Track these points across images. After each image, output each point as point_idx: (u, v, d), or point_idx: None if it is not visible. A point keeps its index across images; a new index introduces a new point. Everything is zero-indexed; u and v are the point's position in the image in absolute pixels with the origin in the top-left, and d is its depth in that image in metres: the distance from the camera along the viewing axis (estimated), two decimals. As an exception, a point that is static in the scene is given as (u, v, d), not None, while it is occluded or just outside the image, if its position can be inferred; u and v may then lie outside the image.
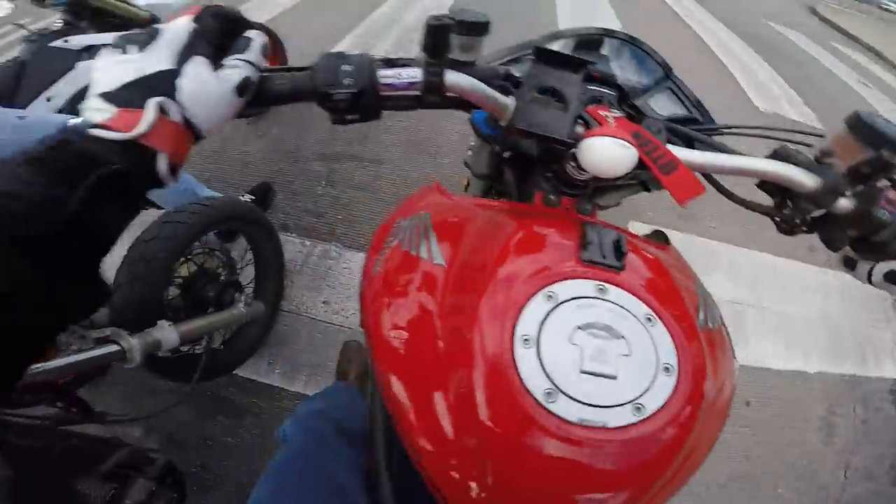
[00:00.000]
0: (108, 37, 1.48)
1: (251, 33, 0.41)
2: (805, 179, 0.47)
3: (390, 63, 0.43)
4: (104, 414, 1.08)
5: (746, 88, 3.77)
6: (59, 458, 0.81)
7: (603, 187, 0.59)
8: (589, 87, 0.60)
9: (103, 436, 1.00)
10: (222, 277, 1.40)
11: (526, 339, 0.35)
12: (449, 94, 0.44)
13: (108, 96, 0.34)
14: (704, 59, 4.21)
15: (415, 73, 0.43)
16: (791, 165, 0.48)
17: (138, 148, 0.33)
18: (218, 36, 0.39)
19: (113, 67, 0.35)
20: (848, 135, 0.49)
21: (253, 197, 1.97)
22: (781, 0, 8.77)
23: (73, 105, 1.44)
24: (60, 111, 1.38)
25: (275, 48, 2.36)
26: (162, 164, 0.35)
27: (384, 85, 0.42)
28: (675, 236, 1.90)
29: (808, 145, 0.55)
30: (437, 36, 0.41)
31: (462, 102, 0.46)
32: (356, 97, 0.42)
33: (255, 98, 0.42)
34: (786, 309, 1.99)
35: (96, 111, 0.34)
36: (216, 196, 1.43)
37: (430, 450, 0.37)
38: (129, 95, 0.34)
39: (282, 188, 2.10)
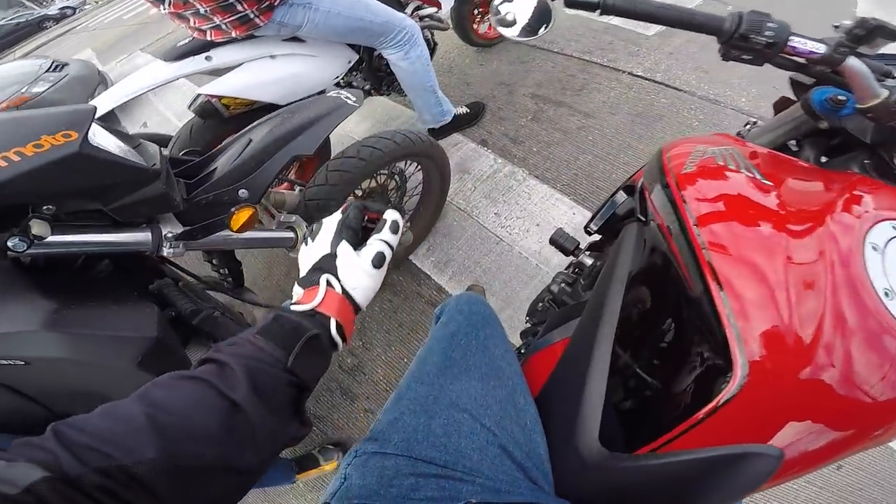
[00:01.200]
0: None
1: (387, 214, 0.52)
2: None
3: (801, 35, 0.53)
4: (249, 292, 1.24)
5: None
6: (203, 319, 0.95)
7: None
8: None
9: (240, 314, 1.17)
10: (392, 200, 1.53)
11: (874, 247, 0.41)
12: (831, 71, 0.53)
13: (301, 281, 0.49)
14: None
15: (820, 48, 0.51)
16: None
17: (319, 315, 0.46)
18: (359, 222, 0.52)
19: (303, 257, 0.53)
20: None
21: (468, 110, 2.13)
22: None
23: None
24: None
25: None
26: (332, 327, 0.45)
27: (790, 47, 0.52)
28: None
29: None
30: (869, 33, 0.50)
31: (830, 79, 0.56)
32: (767, 46, 0.52)
33: (631, 11, 0.56)
34: None
35: (296, 294, 0.48)
36: (417, 134, 1.44)
37: (761, 330, 0.40)
38: (311, 277, 0.48)
39: (491, 111, 2.22)
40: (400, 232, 0.53)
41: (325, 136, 1.06)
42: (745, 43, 0.53)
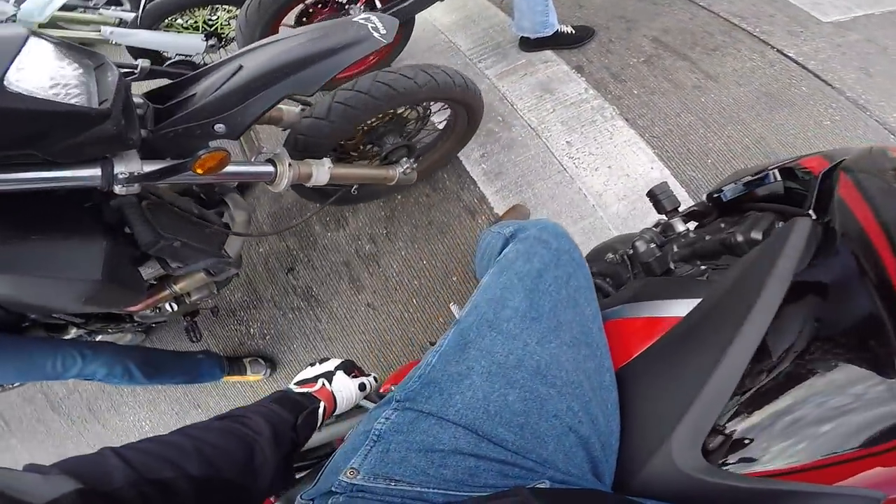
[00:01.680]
0: None
1: (368, 379, 0.74)
2: None
3: None
4: (227, 226, 1.12)
5: None
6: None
7: None
8: None
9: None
10: (406, 133, 1.33)
11: None
12: None
13: (299, 382, 0.70)
14: None
15: None
16: None
17: (314, 398, 0.65)
18: (350, 370, 0.73)
19: (309, 371, 0.73)
20: None
21: (574, 31, 1.89)
22: None
23: None
24: None
25: None
26: (321, 408, 0.63)
27: None
28: None
29: None
30: None
31: None
32: None
33: None
34: None
35: (294, 387, 0.68)
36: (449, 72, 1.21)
37: None
38: (310, 380, 0.69)
39: (599, 41, 1.97)
40: (369, 392, 0.73)
41: (332, 75, 0.87)
42: None
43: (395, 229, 1.57)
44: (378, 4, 1.69)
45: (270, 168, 0.96)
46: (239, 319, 1.61)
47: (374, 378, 0.75)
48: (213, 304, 1.50)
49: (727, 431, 0.44)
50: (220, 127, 0.81)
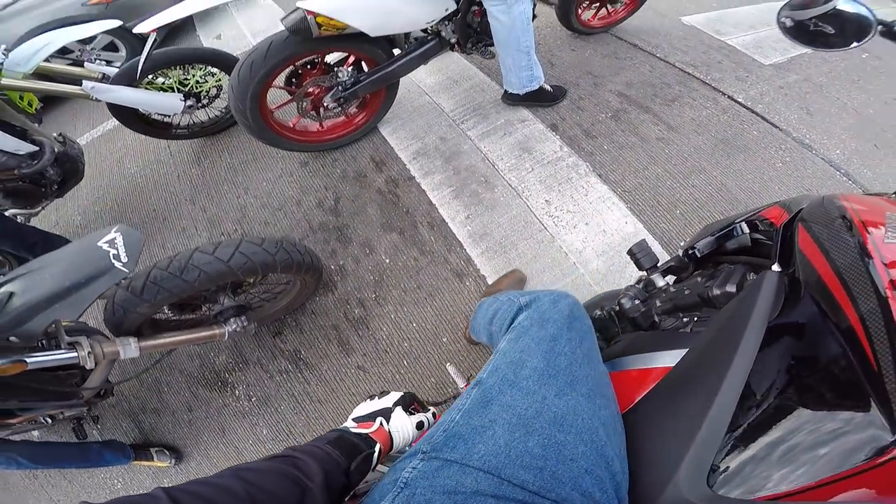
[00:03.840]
0: None
1: (431, 409, 0.76)
2: None
3: None
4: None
5: None
6: None
7: None
8: None
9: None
10: (240, 293, 1.42)
11: None
12: None
13: (357, 419, 0.68)
14: None
15: None
16: None
17: (370, 440, 0.64)
18: (409, 403, 0.73)
19: (364, 406, 0.71)
20: None
21: (551, 88, 2.08)
22: None
23: None
24: None
25: None
26: (376, 451, 0.63)
27: None
28: None
29: None
30: None
31: None
32: None
33: None
34: None
35: (351, 425, 0.66)
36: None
37: None
38: (368, 417, 0.68)
39: (571, 99, 2.16)
40: (427, 428, 0.72)
41: (91, 302, 0.99)
42: None
43: (384, 293, 1.66)
44: (365, 68, 1.83)
45: (73, 354, 1.04)
46: (223, 381, 1.63)
47: (433, 414, 0.74)
48: (96, 414, 1.53)
49: (728, 463, 0.50)
50: (14, 339, 0.96)
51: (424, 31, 1.81)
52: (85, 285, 0.98)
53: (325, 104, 1.83)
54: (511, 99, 2.07)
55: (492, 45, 1.86)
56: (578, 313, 0.67)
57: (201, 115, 2.30)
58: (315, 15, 1.49)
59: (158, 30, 1.61)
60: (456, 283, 1.62)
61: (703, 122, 2.14)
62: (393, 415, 0.69)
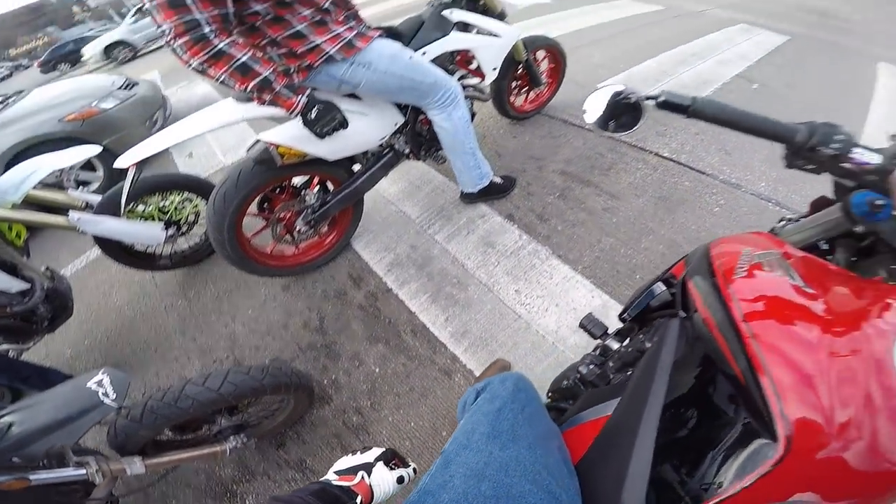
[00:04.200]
0: (476, 17, 1.89)
1: (411, 464, 0.80)
2: None
3: (861, 146, 0.62)
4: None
5: None
6: None
7: None
8: None
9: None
10: (237, 413, 1.52)
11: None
12: (869, 175, 0.61)
13: (338, 472, 0.72)
14: None
15: (875, 158, 0.60)
16: None
17: (351, 492, 0.68)
18: (390, 460, 0.77)
19: (347, 459, 0.76)
20: None
21: (502, 180, 2.33)
22: None
23: (441, 64, 2.00)
24: (433, 61, 1.94)
25: (557, 62, 2.87)
26: (359, 501, 0.68)
27: (850, 157, 0.61)
28: None
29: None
30: None
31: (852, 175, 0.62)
32: (832, 158, 0.61)
33: (719, 118, 0.67)
34: None
35: (333, 478, 0.71)
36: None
37: (802, 406, 0.50)
38: (349, 471, 0.72)
39: (520, 185, 2.41)
40: (407, 483, 0.77)
41: (86, 430, 1.12)
42: (811, 154, 0.62)
43: (379, 399, 1.73)
44: (331, 187, 2.00)
45: (82, 471, 1.12)
46: (231, 492, 1.64)
47: (414, 469, 0.80)
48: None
49: (665, 480, 0.60)
50: (16, 459, 1.07)
51: (380, 146, 2.01)
52: (78, 417, 1.11)
53: (298, 227, 1.98)
54: (468, 198, 2.28)
55: (441, 150, 2.07)
56: (522, 385, 0.79)
57: (182, 244, 2.42)
58: (276, 146, 1.65)
59: (138, 164, 1.66)
60: (446, 381, 1.72)
61: (639, 185, 2.38)
62: (374, 469, 0.73)
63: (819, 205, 0.77)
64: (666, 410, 0.61)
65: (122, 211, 1.89)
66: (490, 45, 2.20)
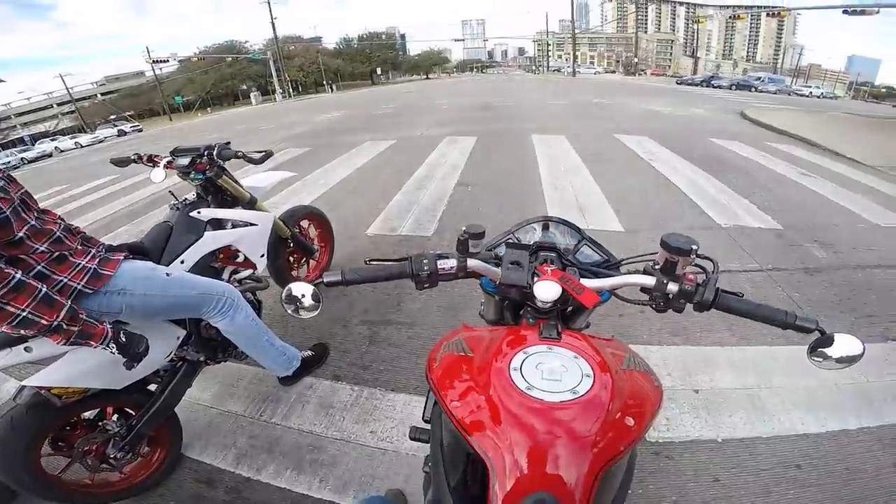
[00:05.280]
0: (227, 212, 2.31)
1: None
2: (649, 280, 0.91)
3: (441, 257, 0.93)
4: None
5: (705, 208, 4.80)
6: None
7: (566, 314, 1.05)
8: (541, 252, 1.02)
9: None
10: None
11: (514, 368, 0.77)
12: (470, 271, 0.94)
13: None
14: (668, 191, 5.46)
15: (452, 263, 0.93)
16: (644, 275, 0.93)
17: None
18: None
19: None
20: (662, 249, 0.88)
21: (313, 352, 2.54)
22: (723, 115, 11.51)
23: (205, 265, 2.08)
24: (194, 269, 1.96)
25: (322, 225, 3.33)
26: None
27: (440, 268, 0.92)
28: (671, 350, 2.55)
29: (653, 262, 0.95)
30: (463, 243, 0.95)
31: (476, 274, 0.96)
32: (429, 276, 0.91)
33: (361, 280, 0.95)
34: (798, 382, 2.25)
35: None
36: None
37: (479, 432, 0.72)
38: None
39: (333, 347, 2.71)
40: None
41: None
42: (419, 276, 0.92)
43: None
44: (131, 411, 1.80)
45: None
46: None
47: None
48: None
49: None
50: None
51: (171, 360, 1.90)
52: None
53: (112, 455, 1.74)
54: (287, 381, 2.37)
55: (239, 348, 2.04)
56: None
57: None
58: (48, 388, 1.49)
59: None
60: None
61: (424, 306, 2.98)
62: None
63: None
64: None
65: None
66: (249, 235, 2.28)
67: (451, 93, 25.26)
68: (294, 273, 3.09)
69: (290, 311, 0.99)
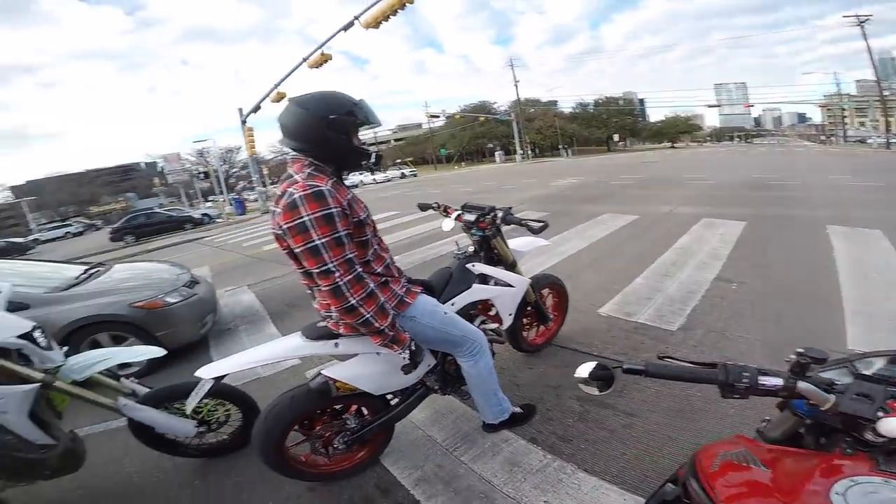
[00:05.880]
0: (493, 270, 2.66)
1: None
2: None
3: (762, 373, 0.88)
4: None
5: None
6: None
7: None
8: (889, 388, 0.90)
9: None
10: None
11: (837, 493, 0.73)
12: (796, 392, 0.86)
13: None
14: None
15: (778, 382, 0.86)
16: None
17: None
18: None
19: None
20: None
21: (521, 410, 2.56)
22: None
23: (465, 311, 2.46)
24: (458, 312, 2.32)
25: (560, 295, 3.40)
26: None
27: (761, 383, 0.87)
28: None
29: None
30: (798, 365, 0.90)
31: (793, 395, 0.88)
32: (747, 388, 0.86)
33: (664, 375, 0.94)
34: None
35: None
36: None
37: None
38: None
39: (540, 411, 2.63)
40: None
41: None
42: (733, 387, 0.87)
43: None
44: (365, 412, 2.19)
45: None
46: None
47: None
48: None
49: None
50: None
51: (415, 383, 2.27)
52: None
53: (335, 444, 2.14)
54: (489, 428, 2.46)
55: (465, 386, 2.33)
56: None
57: (210, 438, 2.54)
58: (335, 380, 1.93)
59: (216, 378, 1.94)
60: None
61: (653, 401, 2.57)
62: None
63: (782, 405, 1.05)
64: None
65: (188, 410, 2.13)
66: (506, 294, 2.61)
67: (707, 165, 21.59)
68: (524, 334, 3.22)
69: (584, 388, 1.06)
